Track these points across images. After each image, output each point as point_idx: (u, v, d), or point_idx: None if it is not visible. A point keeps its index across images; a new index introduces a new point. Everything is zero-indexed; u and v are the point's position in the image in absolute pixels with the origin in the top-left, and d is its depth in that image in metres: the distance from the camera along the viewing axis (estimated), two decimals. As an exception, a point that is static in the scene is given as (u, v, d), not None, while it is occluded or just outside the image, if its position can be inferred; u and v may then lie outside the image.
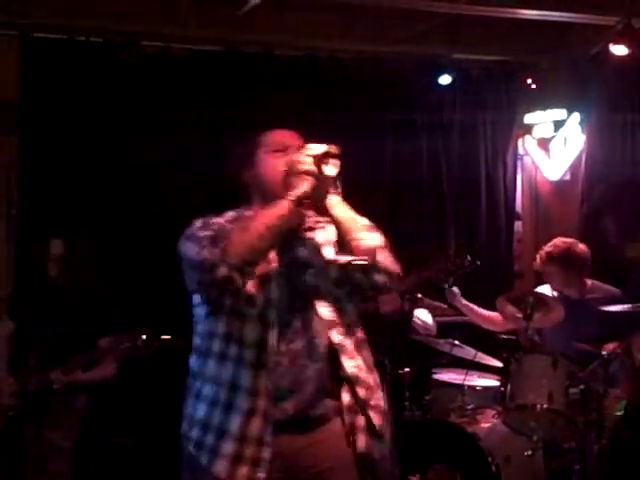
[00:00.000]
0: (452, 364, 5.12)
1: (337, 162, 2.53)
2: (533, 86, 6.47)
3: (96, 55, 5.55)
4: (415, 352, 5.06)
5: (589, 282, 5.09)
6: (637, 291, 4.83)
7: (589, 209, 6.28)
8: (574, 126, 6.46)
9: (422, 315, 4.98)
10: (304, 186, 2.48)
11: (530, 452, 4.38)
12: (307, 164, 2.49)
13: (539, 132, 6.71)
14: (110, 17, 5.45)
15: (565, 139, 6.55)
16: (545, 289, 5.13)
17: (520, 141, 6.82)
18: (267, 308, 2.55)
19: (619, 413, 4.48)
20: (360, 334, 2.69)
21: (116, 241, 5.48)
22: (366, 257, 2.53)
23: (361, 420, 2.61)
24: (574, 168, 6.52)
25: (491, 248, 6.56)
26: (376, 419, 2.63)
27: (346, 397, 2.61)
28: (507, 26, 6.05)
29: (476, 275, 5.10)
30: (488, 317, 5.12)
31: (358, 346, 2.65)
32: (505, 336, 5.20)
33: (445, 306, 5.12)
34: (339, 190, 2.60)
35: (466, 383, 4.84)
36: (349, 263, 2.55)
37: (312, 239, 2.67)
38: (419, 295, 4.71)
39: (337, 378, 2.61)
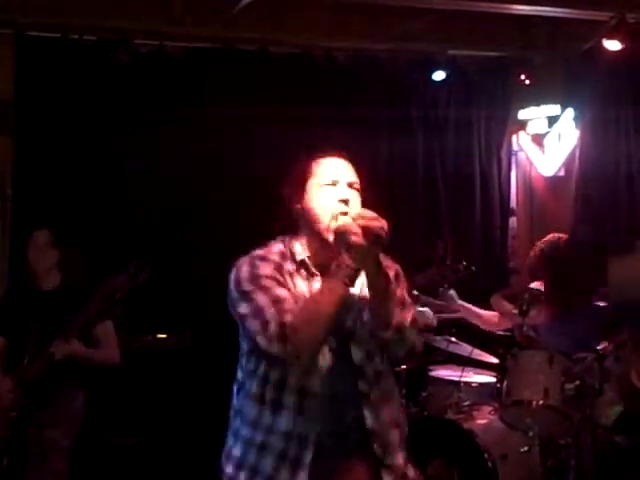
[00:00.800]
0: (448, 361, 5.14)
1: (385, 241, 2.43)
2: (527, 82, 6.47)
3: (90, 53, 5.56)
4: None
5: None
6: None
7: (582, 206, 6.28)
8: (568, 122, 6.47)
9: (419, 312, 4.99)
10: (353, 261, 2.41)
11: (526, 448, 4.40)
12: (359, 237, 2.40)
13: (533, 128, 6.71)
14: (104, 15, 5.45)
15: (559, 135, 6.56)
16: (539, 285, 5.14)
17: (514, 137, 6.82)
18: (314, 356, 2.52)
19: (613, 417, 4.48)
20: (388, 386, 2.66)
21: (110, 239, 5.47)
22: (394, 331, 2.50)
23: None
24: (568, 164, 6.53)
25: (486, 244, 6.58)
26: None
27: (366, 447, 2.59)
28: (501, 22, 6.07)
29: (470, 271, 5.11)
30: (485, 316, 5.13)
31: (384, 399, 2.62)
32: (501, 332, 5.21)
33: (440, 302, 5.13)
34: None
35: (462, 380, 4.85)
36: (378, 332, 2.52)
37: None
38: (415, 292, 4.71)
39: (361, 428, 2.58)
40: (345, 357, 2.57)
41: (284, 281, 2.52)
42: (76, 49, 5.52)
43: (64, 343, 4.01)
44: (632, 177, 6.05)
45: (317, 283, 2.55)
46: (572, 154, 6.48)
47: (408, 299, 2.62)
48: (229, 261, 2.61)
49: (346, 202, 2.53)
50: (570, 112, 6.45)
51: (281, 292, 2.48)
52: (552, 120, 6.57)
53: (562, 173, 6.61)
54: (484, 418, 4.66)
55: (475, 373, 5.00)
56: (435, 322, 5.08)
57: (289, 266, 2.57)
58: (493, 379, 4.84)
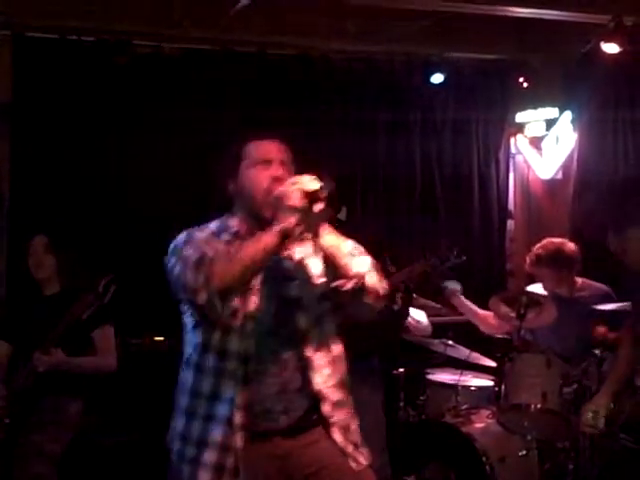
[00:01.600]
0: (446, 364, 5.12)
1: (324, 203, 2.50)
2: (525, 85, 6.47)
3: (88, 55, 5.54)
4: (409, 352, 5.07)
5: (579, 280, 5.11)
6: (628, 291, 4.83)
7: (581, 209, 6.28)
8: (566, 125, 6.47)
9: (417, 315, 4.99)
10: (290, 221, 2.47)
11: (524, 452, 4.40)
12: (295, 199, 2.47)
13: (531, 131, 6.71)
14: (102, 17, 5.43)
15: (557, 138, 6.55)
16: (537, 288, 5.15)
17: (512, 140, 6.82)
18: (250, 320, 2.58)
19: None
20: (336, 350, 2.72)
21: (108, 241, 5.46)
22: (353, 282, 2.57)
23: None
24: (566, 167, 6.53)
25: (483, 247, 6.57)
26: (336, 435, 2.67)
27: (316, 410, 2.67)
28: (499, 24, 6.06)
29: (468, 273, 5.12)
30: (484, 317, 5.12)
31: (331, 362, 2.68)
32: (499, 336, 5.21)
33: (439, 306, 5.13)
34: (330, 215, 2.60)
35: (460, 383, 4.84)
36: (337, 288, 2.59)
37: (296, 253, 2.69)
38: (414, 295, 4.71)
39: (307, 392, 2.65)
40: (291, 324, 2.63)
41: (216, 245, 2.58)
42: (74, 51, 5.51)
43: (43, 355, 4.04)
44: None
45: None
46: (570, 157, 6.48)
47: (359, 247, 2.67)
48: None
49: (280, 180, 2.58)
50: (568, 115, 6.45)
51: (210, 248, 2.54)
52: (550, 123, 6.57)
53: (560, 176, 6.61)
54: (482, 422, 4.65)
55: (473, 376, 4.99)
56: (430, 329, 5.07)
57: (225, 236, 2.65)
58: (491, 382, 4.84)
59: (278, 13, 5.75)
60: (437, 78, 6.31)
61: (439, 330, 5.17)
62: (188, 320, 2.68)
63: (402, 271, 4.34)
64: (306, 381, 2.64)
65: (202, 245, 2.56)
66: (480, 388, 4.90)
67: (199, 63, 5.83)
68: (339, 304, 2.67)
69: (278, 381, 2.61)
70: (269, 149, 2.69)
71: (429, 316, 5.10)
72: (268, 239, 2.47)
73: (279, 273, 2.65)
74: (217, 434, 2.55)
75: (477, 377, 5.00)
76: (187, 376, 2.65)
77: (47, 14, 5.32)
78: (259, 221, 2.60)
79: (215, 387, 2.57)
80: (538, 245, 5.13)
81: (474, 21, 5.94)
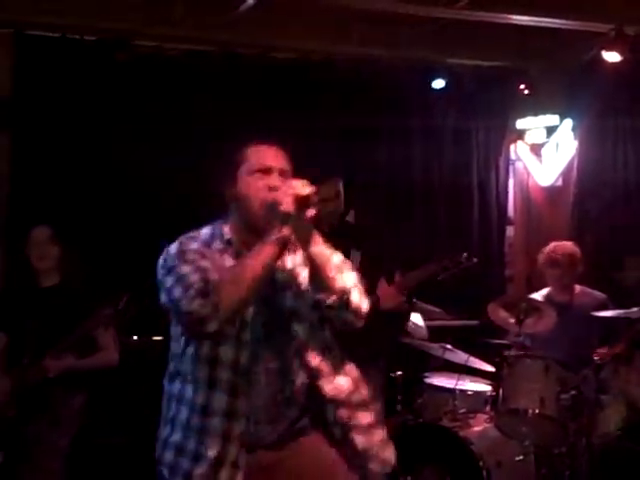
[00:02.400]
0: (444, 368, 5.12)
1: (317, 207, 2.47)
2: (526, 92, 6.48)
3: (89, 54, 5.54)
4: (408, 356, 5.06)
5: (577, 287, 5.12)
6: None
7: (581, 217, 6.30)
8: (566, 132, 6.49)
9: (415, 319, 4.98)
10: (285, 229, 2.45)
11: (521, 457, 4.41)
12: (288, 204, 2.44)
13: (531, 138, 6.73)
14: (104, 16, 5.43)
15: (557, 145, 6.58)
16: (536, 295, 5.15)
17: (512, 146, 6.84)
18: (243, 329, 2.55)
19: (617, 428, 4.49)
20: (337, 354, 2.70)
21: (107, 238, 5.46)
22: (338, 296, 2.55)
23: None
24: (566, 174, 6.55)
25: (483, 253, 6.57)
26: (358, 439, 2.65)
27: (330, 417, 2.64)
28: (500, 32, 6.07)
29: (468, 279, 5.10)
30: None
31: (336, 367, 2.67)
32: (498, 341, 5.20)
33: (439, 310, 5.12)
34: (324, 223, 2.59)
35: (458, 387, 4.83)
36: (322, 300, 2.57)
37: (288, 262, 2.66)
38: (414, 299, 4.70)
39: (319, 400, 2.62)
40: (286, 334, 2.60)
41: (210, 256, 2.55)
42: (75, 49, 5.52)
43: (56, 360, 4.03)
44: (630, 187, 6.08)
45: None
46: (570, 164, 6.50)
47: (347, 262, 2.65)
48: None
49: (277, 190, 2.55)
50: (568, 122, 6.47)
51: (206, 263, 2.51)
52: (550, 130, 6.59)
53: (559, 183, 6.63)
54: (479, 426, 4.65)
55: (471, 381, 4.98)
56: (425, 332, 5.06)
57: (218, 244, 2.61)
58: (489, 387, 4.83)
59: (281, 16, 5.75)
60: (438, 84, 6.33)
61: (438, 334, 5.16)
62: (175, 330, 2.64)
63: (414, 273, 4.32)
64: (316, 390, 2.62)
65: (199, 261, 2.51)
66: (478, 392, 4.89)
67: (200, 64, 5.83)
68: (322, 317, 2.65)
69: (267, 391, 2.58)
70: (269, 156, 2.64)
71: (429, 320, 5.09)
72: (268, 251, 2.44)
73: (272, 283, 2.60)
74: (212, 447, 2.51)
75: (475, 381, 4.99)
76: (176, 386, 2.61)
77: (49, 12, 5.32)
78: (253, 230, 2.57)
79: (208, 399, 2.53)
80: (553, 244, 5.12)
81: (476, 28, 5.95)
